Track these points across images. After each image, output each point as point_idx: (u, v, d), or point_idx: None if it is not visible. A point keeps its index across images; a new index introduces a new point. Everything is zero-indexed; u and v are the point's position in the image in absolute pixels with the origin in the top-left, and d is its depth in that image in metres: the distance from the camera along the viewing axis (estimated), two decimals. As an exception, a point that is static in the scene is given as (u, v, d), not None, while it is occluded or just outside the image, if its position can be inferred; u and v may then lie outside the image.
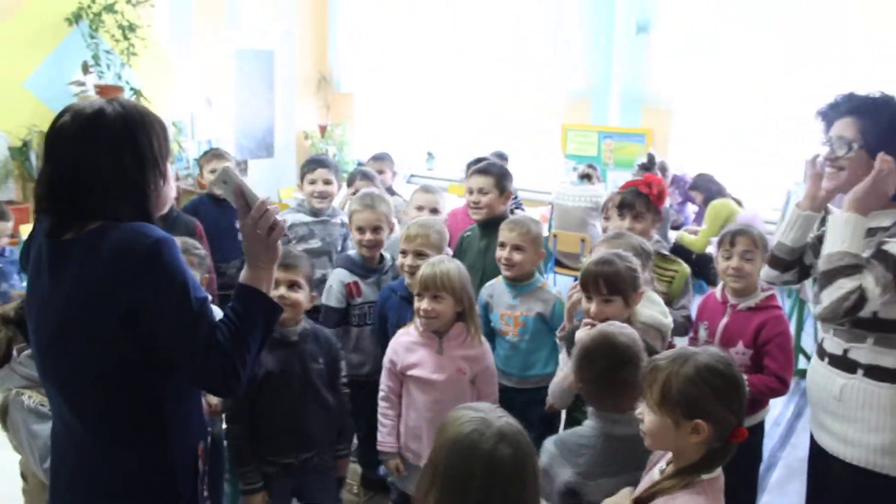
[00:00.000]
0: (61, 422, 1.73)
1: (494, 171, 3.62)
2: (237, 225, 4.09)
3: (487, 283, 3.27)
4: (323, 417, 2.72)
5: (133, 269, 1.54)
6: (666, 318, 2.73)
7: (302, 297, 2.70)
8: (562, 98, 8.12)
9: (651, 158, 6.72)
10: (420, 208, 3.87)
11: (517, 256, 3.07)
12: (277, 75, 9.55)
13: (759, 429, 3.00)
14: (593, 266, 2.45)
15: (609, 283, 2.42)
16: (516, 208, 7.10)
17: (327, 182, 4.07)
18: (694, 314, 3.16)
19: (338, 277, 3.33)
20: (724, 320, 2.93)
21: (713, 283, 6.11)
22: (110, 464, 1.67)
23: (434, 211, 3.84)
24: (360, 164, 9.39)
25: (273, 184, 8.93)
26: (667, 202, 6.95)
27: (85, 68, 7.09)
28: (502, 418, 1.53)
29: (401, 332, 2.86)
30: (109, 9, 7.13)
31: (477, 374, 2.76)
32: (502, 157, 6.99)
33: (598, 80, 7.83)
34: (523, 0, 8.24)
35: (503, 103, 8.71)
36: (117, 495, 1.68)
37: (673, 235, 6.20)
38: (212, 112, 8.65)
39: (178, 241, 2.78)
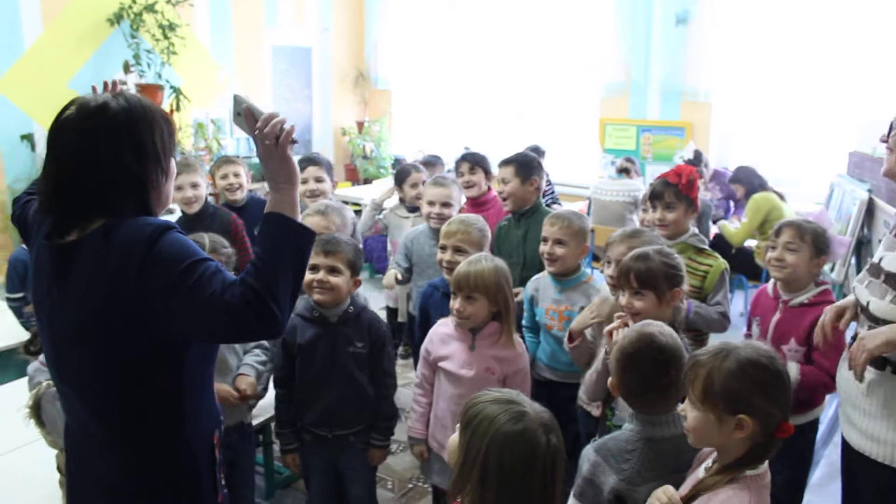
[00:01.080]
0: (76, 420, 1.73)
1: (514, 159, 3.69)
2: (255, 232, 4.15)
3: (533, 277, 3.26)
4: (352, 399, 2.74)
5: (139, 258, 1.53)
6: None
7: (342, 281, 2.71)
8: (600, 92, 8.05)
9: (698, 155, 6.65)
10: (431, 203, 3.77)
11: (559, 251, 3.05)
12: (315, 72, 9.61)
13: (813, 427, 2.92)
14: (628, 260, 2.48)
15: (640, 278, 2.42)
16: (552, 203, 7.07)
17: (319, 180, 4.06)
18: (737, 309, 3.10)
19: None
20: (777, 316, 2.86)
21: (753, 278, 6.07)
22: (130, 457, 1.67)
23: (446, 205, 3.74)
24: (397, 159, 9.44)
25: (311, 180, 8.99)
26: (707, 196, 6.89)
27: (126, 68, 7.20)
28: (532, 405, 1.59)
29: (440, 322, 2.86)
30: (150, 9, 7.23)
31: (508, 376, 2.71)
32: (538, 151, 6.96)
33: (636, 74, 7.75)
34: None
35: (541, 97, 8.67)
36: (138, 488, 1.69)
37: (714, 231, 6.12)
38: (250, 109, 8.71)
39: (207, 239, 2.82)
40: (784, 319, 2.84)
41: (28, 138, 6.84)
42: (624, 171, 6.42)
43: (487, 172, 4.30)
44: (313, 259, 2.70)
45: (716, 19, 7.19)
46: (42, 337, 1.74)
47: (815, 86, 6.93)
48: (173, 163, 1.75)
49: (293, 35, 9.25)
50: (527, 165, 3.67)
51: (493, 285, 2.63)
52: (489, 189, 4.33)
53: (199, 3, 8.04)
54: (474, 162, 4.30)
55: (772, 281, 2.95)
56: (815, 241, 2.78)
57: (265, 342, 3.01)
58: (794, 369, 2.70)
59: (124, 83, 7.09)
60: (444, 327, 2.81)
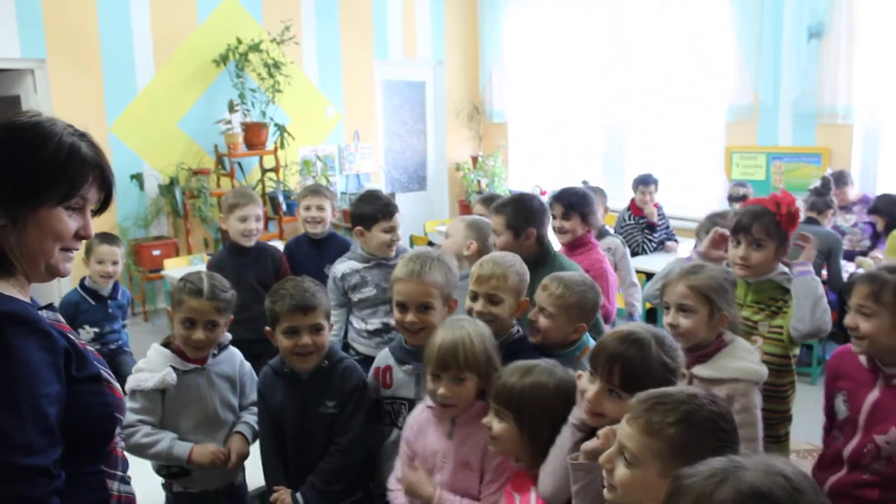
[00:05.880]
0: None
1: (505, 209, 3.11)
2: (326, 271, 3.90)
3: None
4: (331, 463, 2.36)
5: None
6: (761, 367, 2.22)
7: (325, 338, 2.37)
8: (724, 115, 7.33)
9: (826, 182, 5.84)
10: (447, 235, 3.36)
11: (545, 322, 2.47)
12: (429, 106, 9.45)
13: None
14: (615, 342, 1.79)
15: (627, 373, 1.75)
16: (668, 239, 6.46)
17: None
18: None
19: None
20: (874, 395, 2.21)
21: None
22: None
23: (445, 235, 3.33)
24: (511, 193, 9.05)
25: (423, 217, 8.78)
26: (850, 220, 6.04)
27: (231, 107, 7.27)
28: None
29: (420, 406, 2.33)
30: (255, 48, 7.29)
31: (487, 469, 2.11)
32: (647, 181, 6.35)
33: (765, 95, 6.99)
34: (680, 14, 7.58)
35: (661, 125, 8.05)
36: None
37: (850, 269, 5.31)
38: (361, 145, 8.65)
39: (206, 284, 2.52)
40: (885, 400, 2.19)
41: (137, 178, 7.03)
42: (741, 200, 5.68)
43: (585, 217, 3.70)
44: (291, 322, 2.34)
45: (854, 31, 6.33)
46: None
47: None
48: (43, 211, 1.42)
49: (405, 69, 9.13)
50: (519, 214, 3.11)
51: (483, 358, 2.10)
52: (588, 231, 3.75)
53: (307, 41, 8.07)
54: (568, 206, 3.70)
55: None
56: None
57: None
58: None
59: (229, 122, 7.20)
60: (425, 412, 2.28)
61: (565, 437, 1.86)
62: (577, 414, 1.85)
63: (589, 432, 1.83)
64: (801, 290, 2.51)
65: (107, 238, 4.12)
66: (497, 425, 1.94)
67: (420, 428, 2.23)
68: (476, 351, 2.09)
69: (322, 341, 2.35)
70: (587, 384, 1.81)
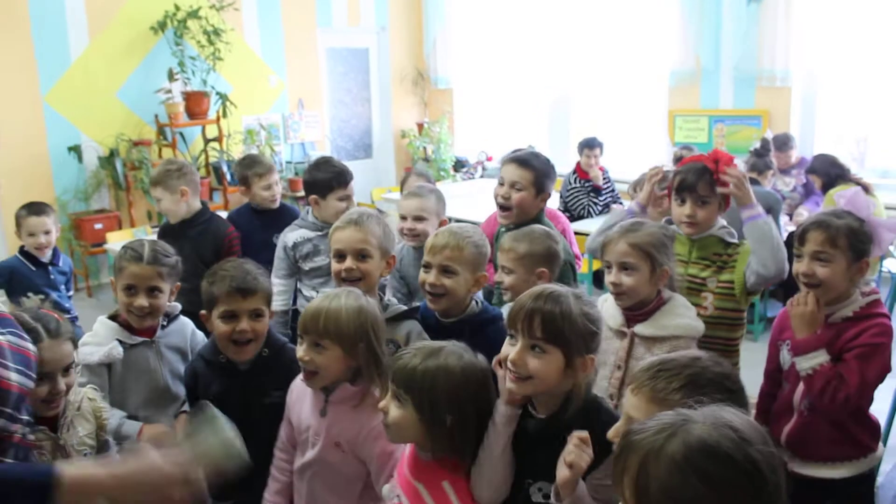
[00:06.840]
0: None
1: (535, 165, 2.95)
2: (274, 240, 3.84)
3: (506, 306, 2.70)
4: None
5: None
6: (699, 323, 2.29)
7: (265, 325, 2.30)
8: (667, 80, 7.42)
9: (765, 144, 5.99)
10: (403, 218, 3.27)
11: (507, 279, 2.49)
12: (373, 73, 9.36)
13: (865, 481, 2.35)
14: (530, 300, 1.74)
15: (548, 325, 1.70)
16: (613, 202, 6.55)
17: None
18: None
19: None
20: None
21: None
22: None
23: (418, 219, 3.22)
24: (458, 161, 9.06)
25: (370, 184, 8.73)
26: (790, 184, 6.20)
27: (170, 75, 7.10)
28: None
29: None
30: (194, 15, 7.11)
31: (364, 459, 2.05)
32: (592, 144, 6.49)
33: (706, 59, 7.09)
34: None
35: (606, 89, 8.13)
36: None
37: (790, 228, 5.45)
38: (305, 114, 8.53)
39: (146, 249, 2.48)
40: (823, 339, 2.25)
41: (75, 150, 6.82)
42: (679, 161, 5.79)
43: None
44: (229, 305, 2.24)
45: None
46: None
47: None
48: None
49: (349, 37, 9.01)
50: (547, 175, 2.98)
51: (350, 332, 1.98)
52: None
53: (248, 8, 7.90)
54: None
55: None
56: (851, 243, 2.19)
57: None
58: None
59: (169, 91, 7.03)
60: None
61: (494, 438, 1.77)
62: (504, 410, 1.77)
63: (518, 423, 1.79)
64: (756, 236, 2.50)
65: (34, 209, 4.00)
66: (395, 411, 1.78)
67: (299, 396, 2.17)
68: (341, 322, 1.99)
69: (262, 329, 2.27)
70: (508, 349, 1.76)
